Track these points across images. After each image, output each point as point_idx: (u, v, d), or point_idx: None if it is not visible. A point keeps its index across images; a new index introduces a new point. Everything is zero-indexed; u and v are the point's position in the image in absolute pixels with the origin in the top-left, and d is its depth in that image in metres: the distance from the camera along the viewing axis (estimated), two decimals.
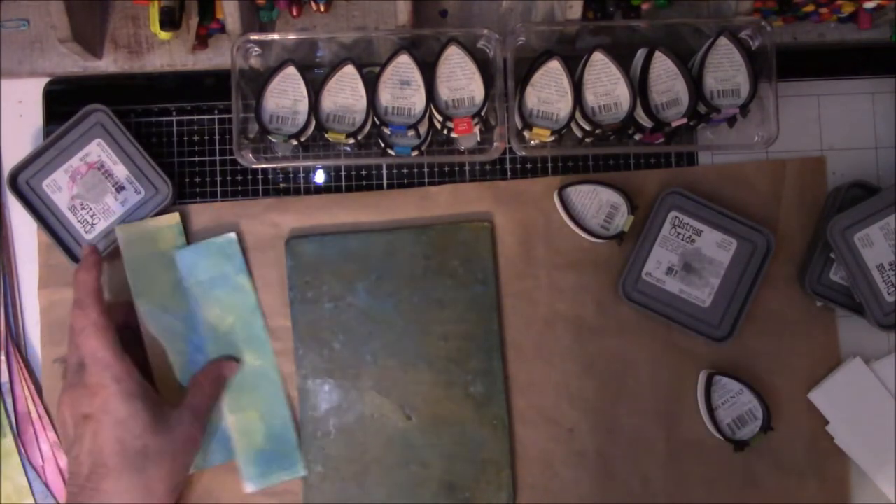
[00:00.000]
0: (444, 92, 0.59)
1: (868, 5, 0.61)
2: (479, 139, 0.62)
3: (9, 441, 0.61)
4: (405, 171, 0.63)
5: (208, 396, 0.58)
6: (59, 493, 0.61)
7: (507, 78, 0.58)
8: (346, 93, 0.59)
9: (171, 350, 0.60)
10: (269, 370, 0.61)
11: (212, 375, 0.59)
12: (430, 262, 0.61)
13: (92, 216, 0.61)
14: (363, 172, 0.64)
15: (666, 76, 0.59)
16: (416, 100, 0.59)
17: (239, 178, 0.63)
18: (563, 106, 0.59)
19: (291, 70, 0.59)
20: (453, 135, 0.60)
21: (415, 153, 0.60)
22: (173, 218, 0.61)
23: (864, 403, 0.61)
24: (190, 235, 0.62)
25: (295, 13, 0.62)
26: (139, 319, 0.59)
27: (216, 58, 0.63)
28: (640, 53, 0.59)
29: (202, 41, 0.63)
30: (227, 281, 0.61)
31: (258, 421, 0.60)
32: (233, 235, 0.61)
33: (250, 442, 0.60)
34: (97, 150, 0.61)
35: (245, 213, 0.62)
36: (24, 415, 0.61)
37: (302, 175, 0.64)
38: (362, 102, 0.59)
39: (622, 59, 0.59)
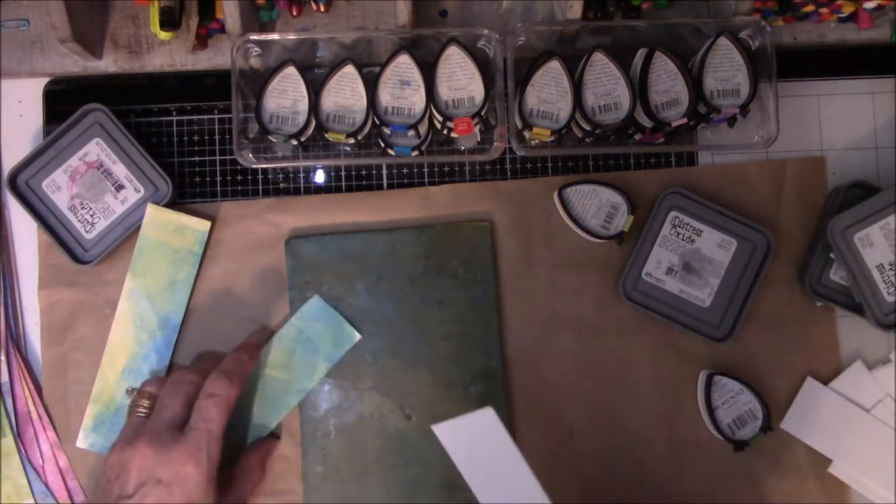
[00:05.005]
0: (444, 92, 0.59)
1: (868, 5, 0.61)
2: (479, 139, 0.62)
3: (9, 441, 0.61)
4: (405, 171, 0.63)
5: (255, 483, 0.58)
6: (59, 492, 0.61)
7: (507, 78, 0.58)
8: (346, 93, 0.59)
9: (133, 336, 0.60)
10: (257, 430, 0.60)
11: (262, 462, 0.59)
12: (430, 262, 0.61)
13: (92, 216, 0.61)
14: (363, 172, 0.64)
15: (666, 76, 0.59)
16: (416, 100, 0.59)
17: (239, 178, 0.63)
18: (563, 106, 0.59)
19: (291, 70, 0.59)
20: (453, 135, 0.60)
21: (415, 153, 0.60)
22: (203, 224, 0.61)
23: (834, 421, 0.61)
24: None
25: (295, 13, 0.62)
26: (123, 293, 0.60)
27: (216, 58, 0.63)
28: (640, 53, 0.59)
29: (202, 41, 0.63)
30: (312, 353, 0.61)
31: None
32: (356, 336, 0.61)
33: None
34: (96, 149, 0.61)
35: (245, 213, 0.62)
36: (24, 415, 0.61)
37: (302, 175, 0.64)
38: (362, 102, 0.59)
39: (622, 59, 0.59)
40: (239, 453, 0.58)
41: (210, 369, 0.55)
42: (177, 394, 0.54)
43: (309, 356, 0.60)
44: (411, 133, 0.59)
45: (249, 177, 0.64)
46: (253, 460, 0.58)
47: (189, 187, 0.63)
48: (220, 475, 0.53)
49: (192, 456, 0.51)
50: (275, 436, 0.60)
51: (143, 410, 0.55)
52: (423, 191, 0.63)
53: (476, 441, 0.50)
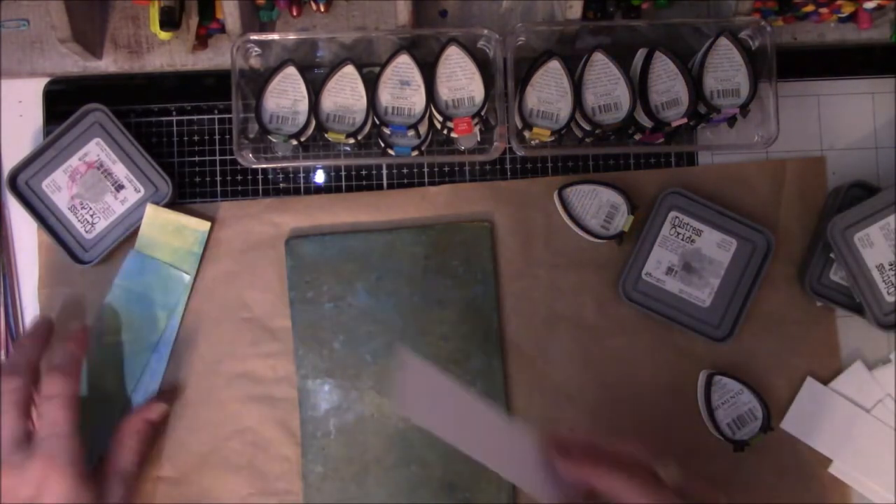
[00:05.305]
0: (444, 92, 0.59)
1: (868, 5, 0.61)
2: (479, 139, 0.62)
3: None
4: (405, 171, 0.63)
5: (135, 453, 0.55)
6: None
7: (507, 78, 0.58)
8: (346, 93, 0.59)
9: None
10: (118, 400, 0.60)
11: (134, 428, 0.56)
12: (430, 262, 0.61)
13: (92, 216, 0.61)
14: (363, 172, 0.64)
15: (666, 76, 0.59)
16: (416, 100, 0.59)
17: (239, 178, 0.63)
18: (563, 106, 0.59)
19: (291, 70, 0.59)
20: (453, 135, 0.60)
21: (415, 153, 0.60)
22: (203, 224, 0.61)
23: (834, 421, 0.61)
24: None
25: (295, 13, 0.62)
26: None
27: (216, 58, 0.63)
28: (640, 53, 0.59)
29: (202, 41, 0.63)
30: (148, 306, 0.60)
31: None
32: (186, 277, 0.61)
33: None
34: (96, 149, 0.61)
35: (245, 213, 0.62)
36: None
37: (302, 175, 0.64)
38: (362, 102, 0.59)
39: (622, 59, 0.59)
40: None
41: (34, 363, 0.53)
42: (8, 408, 0.51)
43: (146, 310, 0.60)
44: (411, 133, 0.59)
45: (249, 177, 0.64)
46: (127, 426, 0.56)
47: (189, 187, 0.63)
48: (99, 464, 0.52)
49: (50, 466, 0.49)
50: (159, 402, 0.58)
51: None
52: (423, 191, 0.63)
53: (428, 394, 0.51)
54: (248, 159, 0.60)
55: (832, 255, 0.60)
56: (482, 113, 0.59)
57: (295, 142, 0.60)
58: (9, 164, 0.62)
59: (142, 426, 0.57)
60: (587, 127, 0.58)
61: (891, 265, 0.59)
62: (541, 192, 0.63)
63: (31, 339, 0.55)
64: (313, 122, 0.59)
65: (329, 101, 0.59)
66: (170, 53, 0.63)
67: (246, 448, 0.61)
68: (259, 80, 0.59)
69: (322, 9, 0.62)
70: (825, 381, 0.61)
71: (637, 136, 0.61)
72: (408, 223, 0.62)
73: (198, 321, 0.62)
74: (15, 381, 0.51)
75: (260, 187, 0.63)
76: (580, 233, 0.61)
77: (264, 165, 0.62)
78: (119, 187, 0.61)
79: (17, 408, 0.51)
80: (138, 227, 0.60)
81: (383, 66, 0.59)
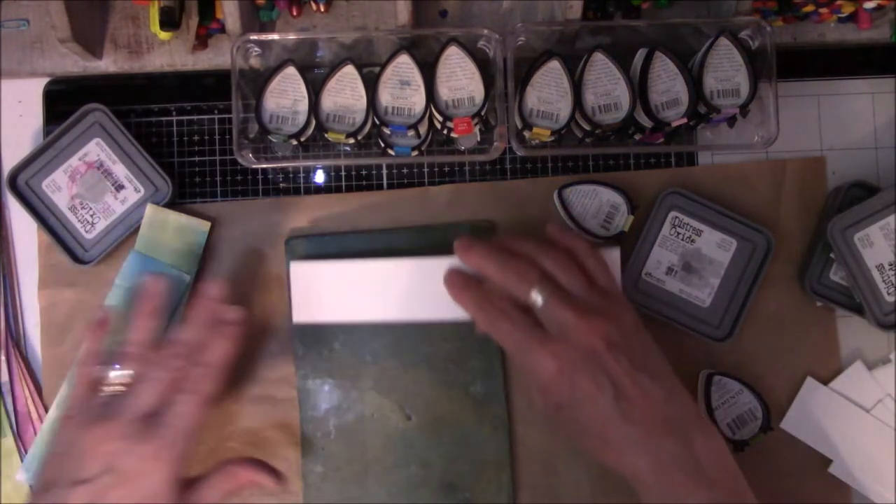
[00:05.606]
0: (444, 92, 0.59)
1: (868, 5, 0.61)
2: (479, 139, 0.62)
3: (9, 441, 0.61)
4: (405, 171, 0.63)
5: (225, 493, 0.52)
6: None
7: (507, 78, 0.58)
8: (346, 93, 0.59)
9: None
10: None
11: (245, 478, 0.53)
12: None
13: (92, 216, 0.61)
14: (363, 172, 0.64)
15: (666, 76, 0.59)
16: (416, 100, 0.59)
17: (239, 178, 0.63)
18: (563, 106, 0.59)
19: (291, 70, 0.59)
20: (453, 135, 0.60)
21: (415, 153, 0.60)
22: (203, 224, 0.61)
23: (834, 421, 0.61)
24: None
25: (295, 13, 0.62)
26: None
27: (216, 58, 0.63)
28: (640, 53, 0.59)
29: (202, 41, 0.63)
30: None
31: None
32: (187, 277, 0.60)
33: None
34: (96, 149, 0.61)
35: (245, 213, 0.62)
36: (24, 415, 0.61)
37: (302, 175, 0.64)
38: (362, 102, 0.59)
39: (622, 59, 0.59)
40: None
41: (192, 348, 0.52)
42: (158, 378, 0.51)
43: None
44: (411, 133, 0.59)
45: (249, 177, 0.64)
46: (236, 469, 0.53)
47: (189, 187, 0.63)
48: (193, 482, 0.51)
49: (162, 453, 0.49)
50: (276, 473, 0.54)
51: (113, 388, 0.52)
52: (423, 191, 0.63)
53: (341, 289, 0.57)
54: (248, 159, 0.60)
55: (832, 255, 0.60)
56: (482, 113, 0.59)
57: (295, 142, 0.60)
58: (9, 164, 0.62)
59: (251, 480, 0.54)
60: (587, 127, 0.58)
61: (891, 265, 0.59)
62: (541, 192, 0.63)
63: (205, 320, 0.54)
64: (313, 122, 0.59)
65: (329, 101, 0.59)
66: (170, 53, 0.63)
67: (246, 448, 0.61)
68: (259, 80, 0.59)
69: (322, 9, 0.62)
70: (825, 381, 0.61)
71: (637, 136, 0.61)
72: (408, 223, 0.62)
73: None
74: (177, 361, 0.52)
75: (260, 187, 0.63)
76: (580, 233, 0.61)
77: (264, 165, 0.62)
78: (119, 187, 0.61)
79: (163, 386, 0.51)
80: (138, 227, 0.60)
81: (383, 66, 0.59)
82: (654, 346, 0.52)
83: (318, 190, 0.63)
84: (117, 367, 0.53)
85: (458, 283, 0.54)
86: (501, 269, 0.52)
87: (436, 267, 0.55)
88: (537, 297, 0.51)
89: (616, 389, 0.49)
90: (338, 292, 0.58)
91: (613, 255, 0.56)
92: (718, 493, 0.47)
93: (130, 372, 0.52)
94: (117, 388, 0.52)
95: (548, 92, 0.59)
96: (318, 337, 0.61)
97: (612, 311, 0.51)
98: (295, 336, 0.61)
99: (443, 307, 0.54)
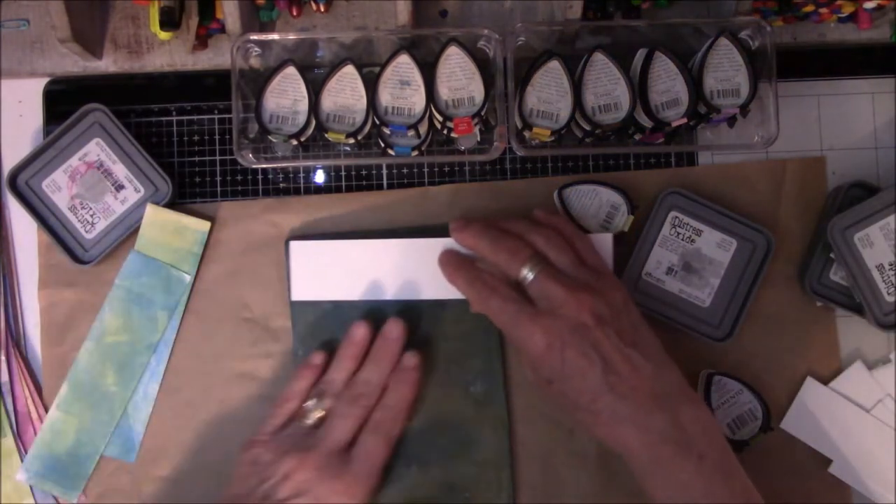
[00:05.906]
0: (444, 92, 0.59)
1: (868, 5, 0.61)
2: (479, 139, 0.62)
3: (9, 441, 0.61)
4: (405, 171, 0.63)
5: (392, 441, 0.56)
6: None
7: (507, 78, 0.58)
8: (346, 93, 0.59)
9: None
10: (118, 400, 0.60)
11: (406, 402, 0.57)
12: None
13: (92, 216, 0.61)
14: (363, 172, 0.64)
15: (666, 76, 0.59)
16: (416, 100, 0.59)
17: (239, 178, 0.63)
18: (563, 106, 0.59)
19: (291, 70, 0.59)
20: (453, 135, 0.60)
21: (415, 153, 0.60)
22: (203, 224, 0.61)
23: (834, 421, 0.61)
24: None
25: (295, 13, 0.62)
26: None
27: (216, 58, 0.63)
28: (640, 53, 0.59)
29: (202, 41, 0.63)
30: (148, 306, 0.61)
31: (73, 432, 0.60)
32: (187, 277, 0.61)
33: (52, 442, 0.60)
34: (96, 149, 0.61)
35: (245, 213, 0.62)
36: (24, 415, 0.61)
37: (302, 175, 0.64)
38: (362, 102, 0.59)
39: (622, 59, 0.59)
40: None
41: (376, 387, 0.55)
42: (352, 415, 0.54)
43: (146, 311, 0.60)
44: (411, 133, 0.59)
45: (249, 177, 0.64)
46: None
47: (189, 187, 0.63)
48: None
49: (353, 489, 0.52)
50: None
51: (311, 420, 0.55)
52: (423, 191, 0.63)
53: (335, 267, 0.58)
54: (248, 159, 0.60)
55: (832, 255, 0.60)
56: (482, 113, 0.59)
57: (295, 142, 0.60)
58: (9, 164, 0.62)
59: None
60: (587, 127, 0.58)
61: (891, 265, 0.59)
62: (541, 192, 0.63)
63: (388, 361, 0.57)
64: (313, 122, 0.59)
65: (329, 101, 0.59)
66: (170, 53, 0.63)
67: None
68: (259, 80, 0.59)
69: (322, 9, 0.62)
70: (825, 381, 0.61)
71: (637, 136, 0.61)
72: (408, 223, 0.62)
73: (198, 321, 0.62)
74: (366, 400, 0.55)
75: (260, 187, 0.63)
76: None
77: (264, 165, 0.62)
78: (119, 187, 0.61)
79: (355, 422, 0.54)
80: (138, 227, 0.60)
81: (383, 66, 0.59)
82: (643, 322, 0.53)
83: (318, 190, 0.63)
84: (314, 401, 0.56)
85: (452, 262, 0.56)
86: (493, 248, 0.53)
87: (434, 246, 0.57)
88: (528, 274, 0.52)
89: (605, 364, 0.49)
90: (336, 270, 0.59)
91: (605, 240, 0.57)
92: (706, 466, 0.48)
93: (323, 408, 0.55)
94: (311, 421, 0.55)
95: (548, 92, 0.59)
96: (318, 337, 0.61)
97: (601, 287, 0.52)
98: (295, 336, 0.61)
99: (441, 286, 0.56)
